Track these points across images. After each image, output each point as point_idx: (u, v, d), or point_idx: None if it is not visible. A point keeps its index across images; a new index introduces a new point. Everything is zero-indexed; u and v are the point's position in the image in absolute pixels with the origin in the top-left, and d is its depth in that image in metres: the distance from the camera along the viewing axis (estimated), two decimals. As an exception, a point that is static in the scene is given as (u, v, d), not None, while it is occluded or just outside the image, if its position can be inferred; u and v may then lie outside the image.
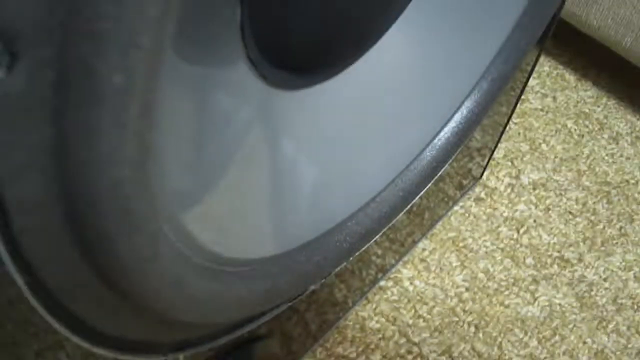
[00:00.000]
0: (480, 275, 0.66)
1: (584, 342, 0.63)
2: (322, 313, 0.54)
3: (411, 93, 0.43)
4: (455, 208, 0.71)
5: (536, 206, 0.73)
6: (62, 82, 0.17)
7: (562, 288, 0.66)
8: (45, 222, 0.21)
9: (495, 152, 0.72)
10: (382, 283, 0.63)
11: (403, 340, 0.60)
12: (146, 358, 0.31)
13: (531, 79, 0.64)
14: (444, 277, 0.65)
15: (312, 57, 0.34)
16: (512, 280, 0.66)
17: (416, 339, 0.60)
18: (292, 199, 0.36)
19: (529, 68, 0.62)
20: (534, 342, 0.62)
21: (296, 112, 0.35)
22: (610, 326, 0.64)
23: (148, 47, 0.17)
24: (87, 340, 0.26)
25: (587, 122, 0.83)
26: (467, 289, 0.65)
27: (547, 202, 0.74)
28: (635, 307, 0.66)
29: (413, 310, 0.62)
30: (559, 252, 0.69)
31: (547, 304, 0.65)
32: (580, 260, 0.69)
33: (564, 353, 0.62)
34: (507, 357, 0.61)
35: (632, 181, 0.77)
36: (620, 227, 0.72)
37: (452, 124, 0.44)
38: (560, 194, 0.74)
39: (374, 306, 0.62)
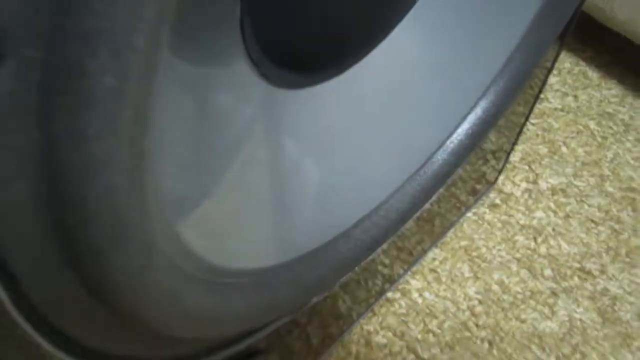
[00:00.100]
0: (495, 287, 0.66)
1: (606, 360, 0.63)
2: (324, 326, 0.54)
3: (422, 92, 0.43)
4: (468, 215, 0.71)
5: (555, 213, 0.73)
6: (51, 84, 0.18)
7: (583, 302, 0.66)
8: (31, 232, 0.21)
9: (511, 155, 0.72)
10: (389, 295, 0.63)
11: (411, 357, 0.60)
12: (136, 375, 0.31)
13: (551, 76, 0.64)
14: (456, 289, 0.65)
15: (316, 55, 0.34)
16: (529, 293, 0.66)
17: (425, 355, 0.60)
18: (295, 206, 0.37)
19: (549, 65, 0.62)
20: (552, 360, 0.62)
21: (300, 112, 0.35)
22: (635, 344, 0.64)
23: (143, 47, 0.17)
24: (72, 356, 0.27)
25: (610, 123, 0.83)
26: (480, 302, 0.65)
27: (567, 209, 0.74)
28: (662, 322, 0.66)
29: (422, 325, 0.62)
30: (579, 263, 0.69)
31: (566, 319, 0.65)
32: (602, 272, 0.69)
33: (584, 371, 0.62)
34: (523, 375, 0.61)
35: (659, 187, 0.77)
36: (646, 237, 0.72)
37: (466, 125, 0.44)
38: (582, 201, 0.74)
39: (380, 319, 0.62)
